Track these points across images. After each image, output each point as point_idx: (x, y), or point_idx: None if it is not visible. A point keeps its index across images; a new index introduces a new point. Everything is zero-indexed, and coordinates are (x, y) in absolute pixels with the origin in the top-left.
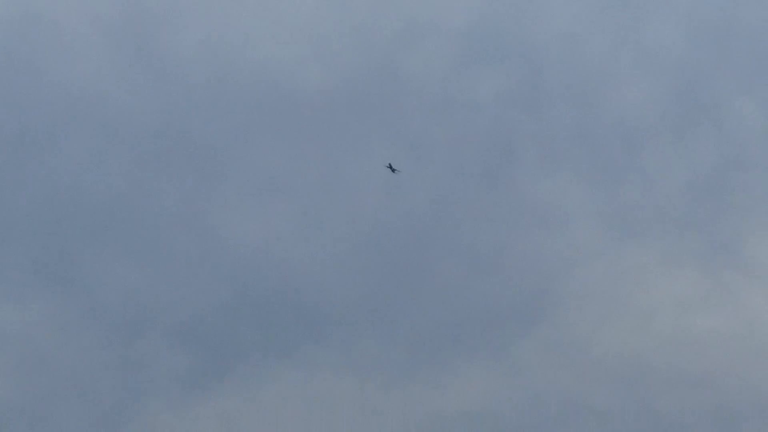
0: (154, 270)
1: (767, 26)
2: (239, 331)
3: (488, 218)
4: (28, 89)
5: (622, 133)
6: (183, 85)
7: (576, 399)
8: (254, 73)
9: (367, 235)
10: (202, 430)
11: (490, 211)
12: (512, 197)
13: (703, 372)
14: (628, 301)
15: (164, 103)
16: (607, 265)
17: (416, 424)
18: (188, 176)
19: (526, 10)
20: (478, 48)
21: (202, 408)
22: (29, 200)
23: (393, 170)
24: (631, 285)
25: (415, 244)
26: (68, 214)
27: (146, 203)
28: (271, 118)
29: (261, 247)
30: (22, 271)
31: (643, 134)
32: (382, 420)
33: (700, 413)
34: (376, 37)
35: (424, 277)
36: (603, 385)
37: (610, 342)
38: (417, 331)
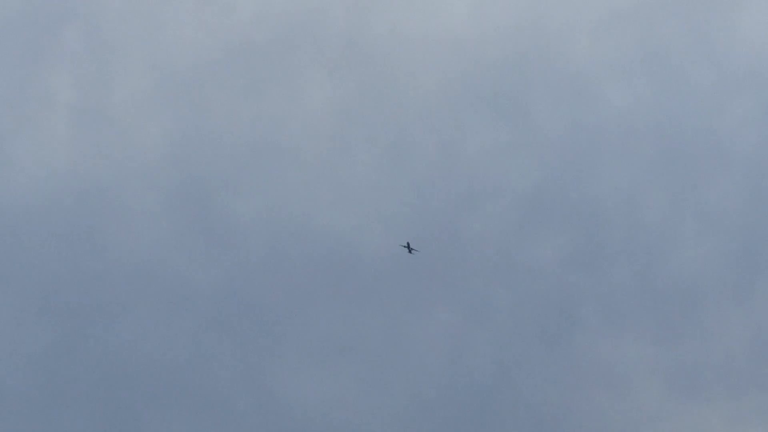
0: None
1: None
2: None
3: (551, 380)
4: (91, 260)
5: (683, 293)
6: (244, 252)
7: None
8: (315, 239)
9: (429, 397)
10: None
11: (552, 372)
12: (574, 359)
13: None
14: None
15: (225, 270)
16: (672, 425)
17: None
18: (250, 342)
19: (585, 172)
20: (539, 210)
21: None
22: (95, 368)
23: (410, 250)
24: None
25: (478, 407)
26: (132, 381)
27: (209, 369)
28: (333, 282)
29: (323, 412)
30: None
31: (704, 294)
32: None
33: None
34: (437, 201)
35: None
36: None
37: None
38: None
